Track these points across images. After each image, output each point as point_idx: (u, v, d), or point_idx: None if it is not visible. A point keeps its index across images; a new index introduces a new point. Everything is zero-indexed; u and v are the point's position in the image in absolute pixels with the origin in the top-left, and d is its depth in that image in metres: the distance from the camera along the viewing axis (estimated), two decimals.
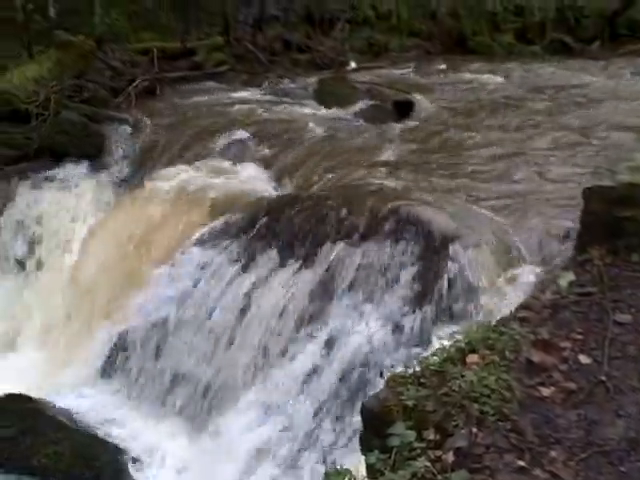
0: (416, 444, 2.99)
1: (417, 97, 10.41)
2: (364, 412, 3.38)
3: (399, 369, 3.90)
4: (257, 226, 6.32)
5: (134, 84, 10.48)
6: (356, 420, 4.68)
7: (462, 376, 3.32)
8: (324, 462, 4.84)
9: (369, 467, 3.07)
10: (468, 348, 3.58)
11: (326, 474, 3.06)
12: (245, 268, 6.09)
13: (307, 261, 5.85)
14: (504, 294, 5.00)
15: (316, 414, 5.10)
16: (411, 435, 2.97)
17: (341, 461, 4.45)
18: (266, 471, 5.18)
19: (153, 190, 7.72)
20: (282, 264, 5.95)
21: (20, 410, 6.30)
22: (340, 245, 5.81)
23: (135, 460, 5.83)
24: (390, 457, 2.96)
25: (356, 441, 4.59)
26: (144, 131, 9.39)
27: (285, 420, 5.22)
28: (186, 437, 5.84)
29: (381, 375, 4.08)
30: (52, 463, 5.94)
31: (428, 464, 2.88)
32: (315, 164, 7.82)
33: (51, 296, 7.48)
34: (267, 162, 8.05)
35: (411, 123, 9.29)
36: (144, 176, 8.29)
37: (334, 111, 10.04)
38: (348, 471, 3.06)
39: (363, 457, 3.28)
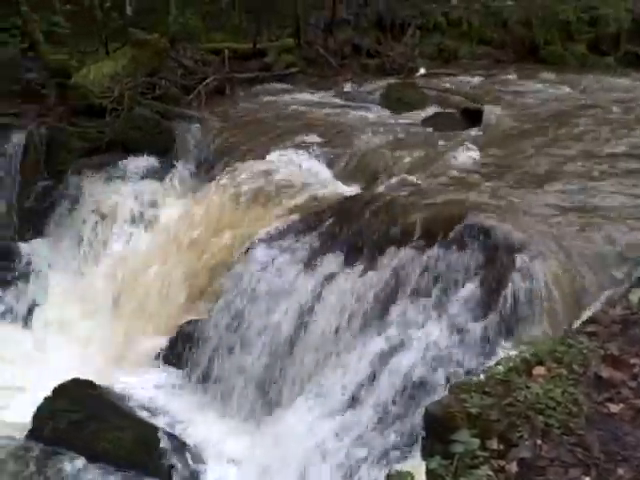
0: (479, 452, 2.98)
1: (486, 105, 10.31)
2: (427, 417, 3.37)
3: (463, 376, 3.89)
4: (323, 226, 6.37)
5: (205, 83, 10.65)
6: (416, 425, 4.70)
7: (527, 387, 3.30)
8: (382, 465, 4.85)
9: (430, 472, 3.07)
10: (534, 360, 3.55)
11: (388, 476, 3.07)
12: (310, 268, 6.14)
13: (372, 264, 5.87)
14: (570, 307, 4.93)
15: (375, 417, 5.11)
16: (475, 443, 2.96)
17: (399, 465, 4.47)
18: (323, 471, 5.21)
19: (221, 187, 7.83)
20: (347, 265, 5.98)
21: (85, 395, 6.47)
22: (405, 250, 5.81)
23: (194, 451, 5.94)
24: (452, 463, 2.95)
25: (414, 446, 4.62)
26: (213, 129, 9.52)
27: (344, 421, 5.24)
28: (245, 431, 5.91)
29: (447, 381, 4.08)
30: (114, 449, 6.07)
31: (491, 473, 2.87)
32: (382, 168, 7.83)
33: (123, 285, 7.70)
34: (334, 164, 8.09)
35: (480, 131, 9.21)
36: (212, 174, 8.41)
37: (402, 116, 10.03)
38: (409, 474, 3.07)
39: (423, 462, 3.28)
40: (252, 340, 6.15)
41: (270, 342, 6.03)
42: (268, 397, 5.93)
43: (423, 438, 3.44)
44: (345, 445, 5.21)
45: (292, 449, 5.39)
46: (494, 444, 3.06)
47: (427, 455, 3.22)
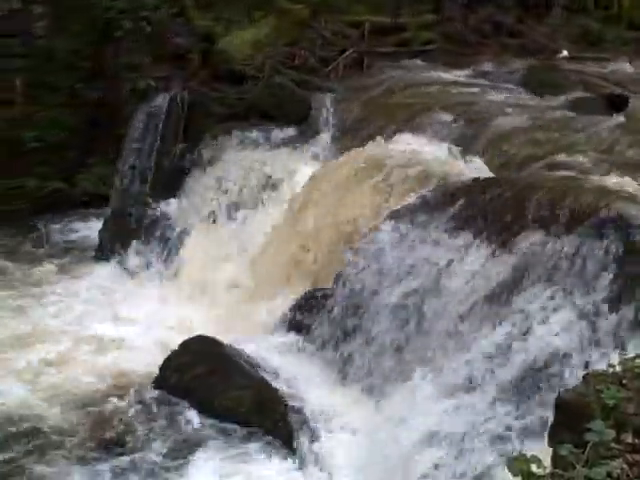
0: (613, 444, 2.89)
1: (632, 92, 9.85)
2: (559, 404, 3.30)
3: (596, 367, 3.78)
4: (455, 206, 6.29)
5: (344, 55, 10.70)
6: (537, 412, 4.61)
7: None
8: (499, 449, 4.78)
9: (559, 458, 3.00)
10: None
11: (515, 459, 3.02)
12: (438, 246, 6.09)
13: (502, 246, 5.75)
14: None
15: (494, 401, 5.04)
16: (610, 434, 2.86)
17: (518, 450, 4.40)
18: (435, 449, 5.19)
19: (352, 160, 7.85)
20: (476, 246, 5.89)
21: (209, 352, 6.70)
22: (538, 235, 5.66)
23: (312, 416, 6.03)
24: (584, 452, 2.87)
25: (535, 432, 4.54)
26: (348, 102, 9.57)
27: (462, 402, 5.20)
28: (363, 402, 5.96)
29: (586, 366, 3.97)
30: (232, 407, 6.24)
31: (625, 466, 2.78)
32: (518, 151, 7.66)
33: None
34: (468, 144, 7.97)
35: (625, 119, 8.80)
36: (344, 145, 8.47)
37: (542, 99, 9.73)
38: (536, 459, 3.01)
39: (549, 448, 3.22)
40: (375, 313, 6.17)
41: (393, 317, 6.03)
42: (388, 371, 5.95)
43: (552, 424, 3.37)
44: (461, 426, 5.17)
45: (407, 424, 5.39)
46: (629, 438, 2.97)
47: (556, 441, 3.15)
